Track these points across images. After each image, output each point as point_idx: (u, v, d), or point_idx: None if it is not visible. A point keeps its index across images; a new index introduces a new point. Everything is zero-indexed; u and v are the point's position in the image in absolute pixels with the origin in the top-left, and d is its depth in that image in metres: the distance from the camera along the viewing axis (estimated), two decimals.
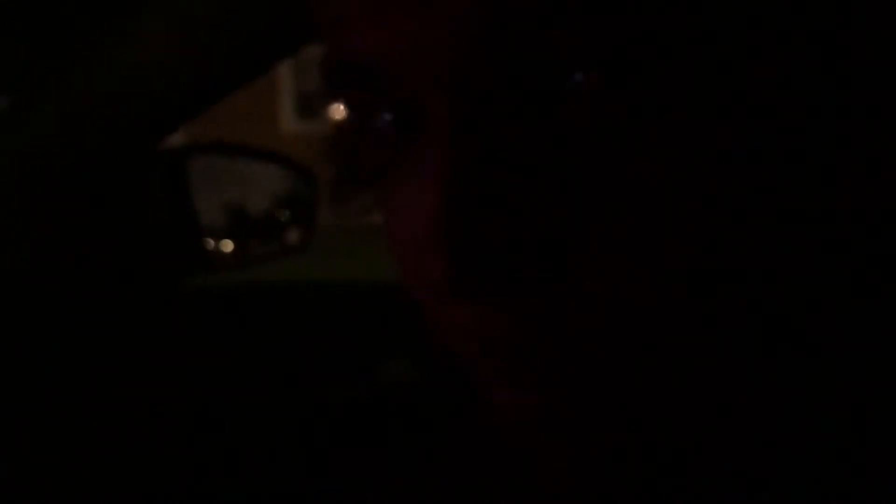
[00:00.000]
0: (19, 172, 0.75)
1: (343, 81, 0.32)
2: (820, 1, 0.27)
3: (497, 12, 0.27)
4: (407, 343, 0.93)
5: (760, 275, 0.28)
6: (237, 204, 0.97)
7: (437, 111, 0.29)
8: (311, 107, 10.16)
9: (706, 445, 0.32)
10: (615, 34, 0.26)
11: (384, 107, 0.31)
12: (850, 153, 0.28)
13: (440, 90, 0.29)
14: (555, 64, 0.27)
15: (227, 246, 0.95)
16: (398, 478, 0.57)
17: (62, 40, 0.72)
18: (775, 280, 0.29)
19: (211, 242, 0.92)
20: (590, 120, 0.28)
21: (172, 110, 0.78)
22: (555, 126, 0.28)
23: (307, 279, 1.10)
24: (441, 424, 0.51)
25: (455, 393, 0.35)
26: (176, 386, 0.90)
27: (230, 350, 0.95)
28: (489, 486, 0.41)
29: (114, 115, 0.75)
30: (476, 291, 0.28)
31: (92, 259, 0.80)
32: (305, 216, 1.01)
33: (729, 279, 0.28)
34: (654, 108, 0.27)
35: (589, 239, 0.28)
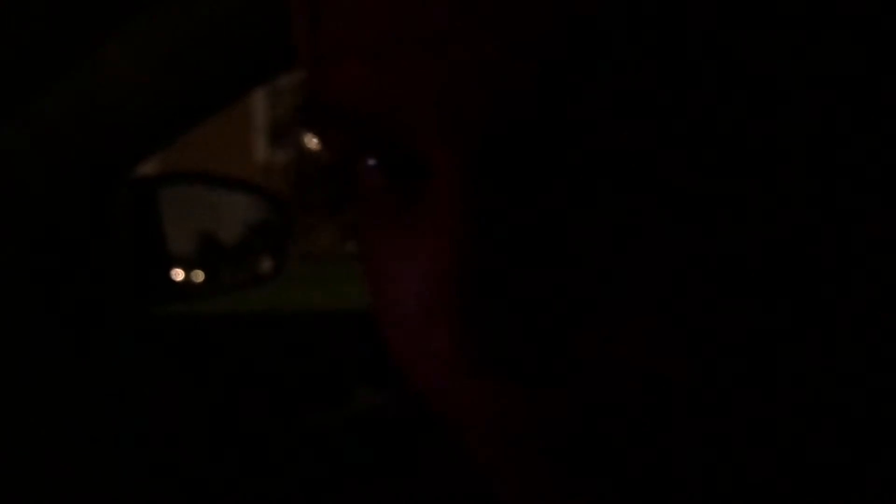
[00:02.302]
0: None
1: (324, 120, 0.29)
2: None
3: (540, 58, 0.24)
4: (376, 369, 0.93)
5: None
6: (209, 233, 0.97)
7: (448, 164, 0.25)
8: (284, 136, 10.16)
9: None
10: (668, 88, 0.24)
11: (369, 150, 0.28)
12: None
13: (454, 141, 0.25)
14: (602, 118, 0.24)
15: (199, 275, 0.95)
16: (372, 501, 0.56)
17: (33, 67, 0.72)
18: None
19: (181, 272, 0.91)
20: (626, 177, 0.25)
21: (144, 138, 0.78)
22: (584, 183, 0.25)
23: (276, 308, 1.10)
24: (411, 448, 0.51)
25: (425, 417, 0.34)
26: (145, 416, 0.90)
27: (200, 380, 0.94)
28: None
29: (84, 143, 0.75)
30: (498, 366, 0.25)
31: (59, 288, 0.80)
32: (277, 245, 1.01)
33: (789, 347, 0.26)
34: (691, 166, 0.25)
35: (620, 304, 0.25)
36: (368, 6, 0.26)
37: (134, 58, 0.72)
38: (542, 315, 0.25)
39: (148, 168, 0.92)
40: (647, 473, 0.27)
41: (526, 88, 0.24)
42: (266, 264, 1.01)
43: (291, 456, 0.84)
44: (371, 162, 0.28)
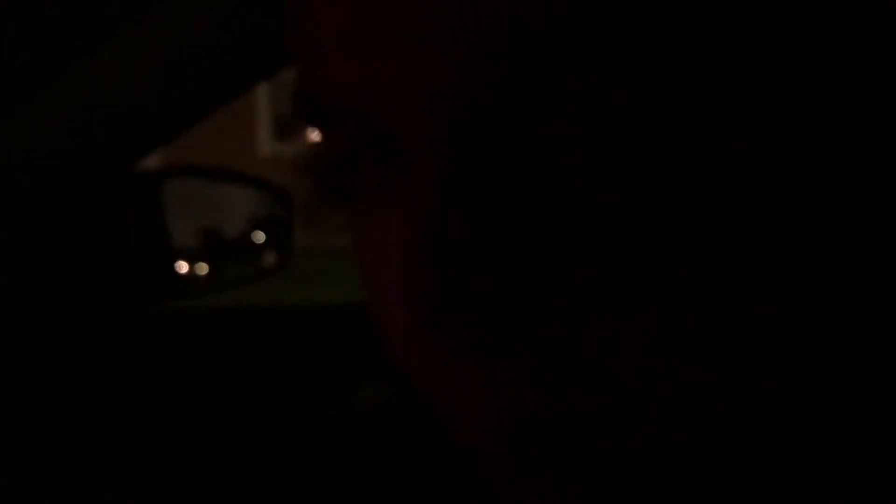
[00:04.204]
0: None
1: (315, 113, 0.30)
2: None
3: (499, 54, 0.25)
4: (381, 365, 0.93)
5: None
6: (213, 227, 0.97)
7: (421, 148, 0.27)
8: (288, 129, 10.15)
9: None
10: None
11: (359, 139, 0.29)
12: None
13: (426, 129, 0.27)
14: (558, 105, 0.25)
15: (203, 269, 0.94)
16: (376, 496, 0.57)
17: (38, 63, 0.72)
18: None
19: (186, 266, 0.91)
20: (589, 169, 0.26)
21: (148, 132, 0.77)
22: (545, 165, 0.26)
23: (281, 303, 1.10)
24: (416, 444, 0.50)
25: (429, 413, 0.34)
26: (150, 411, 0.90)
27: (204, 375, 0.94)
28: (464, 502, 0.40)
29: (88, 138, 0.75)
30: (453, 339, 0.25)
31: (63, 282, 0.80)
32: (282, 239, 1.01)
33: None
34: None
35: (579, 279, 0.26)
36: (347, 3, 0.27)
37: (138, 52, 0.72)
38: (498, 289, 0.26)
39: (152, 162, 0.92)
40: (609, 452, 0.27)
41: (486, 81, 0.26)
42: (270, 258, 1.01)
43: (293, 452, 0.84)
44: (362, 148, 0.29)
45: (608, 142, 0.26)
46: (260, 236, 1.00)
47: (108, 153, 0.77)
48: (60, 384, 0.83)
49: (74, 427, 0.84)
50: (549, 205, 0.26)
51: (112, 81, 0.73)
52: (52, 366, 0.82)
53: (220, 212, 0.97)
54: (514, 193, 0.26)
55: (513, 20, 0.25)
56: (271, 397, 0.95)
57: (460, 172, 0.26)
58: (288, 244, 1.01)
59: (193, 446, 0.89)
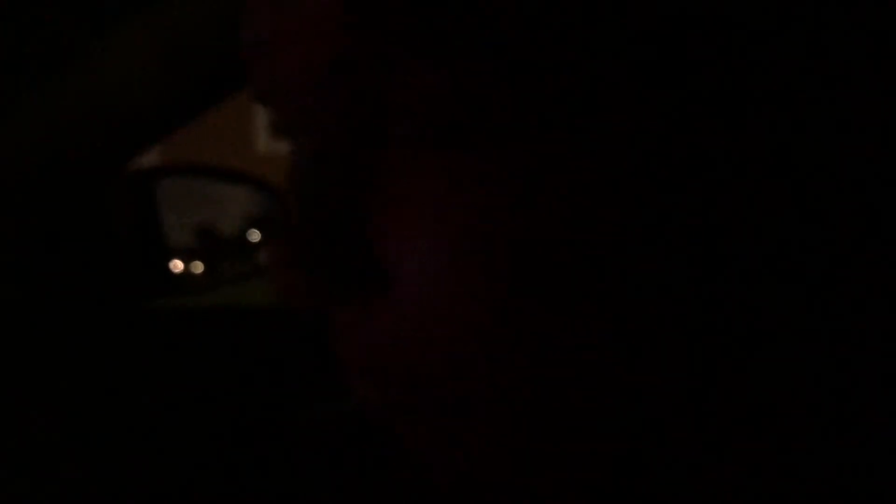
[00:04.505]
0: None
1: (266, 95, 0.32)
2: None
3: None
4: None
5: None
6: (208, 225, 0.97)
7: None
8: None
9: None
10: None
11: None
12: None
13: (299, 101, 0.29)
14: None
15: (198, 267, 0.94)
16: (367, 495, 0.56)
17: (33, 58, 0.72)
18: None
19: (181, 264, 0.91)
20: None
21: (145, 128, 0.77)
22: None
23: (277, 301, 1.10)
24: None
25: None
26: (145, 409, 0.89)
27: (197, 373, 0.94)
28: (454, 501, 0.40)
29: (85, 133, 0.75)
30: (319, 289, 0.28)
31: (59, 280, 0.79)
32: None
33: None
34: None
35: (403, 253, 0.27)
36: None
37: (136, 47, 0.72)
38: (345, 259, 0.28)
39: (148, 159, 0.92)
40: (467, 403, 0.28)
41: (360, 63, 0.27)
42: (265, 256, 1.00)
43: (289, 449, 0.84)
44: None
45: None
46: (256, 234, 1.00)
47: (105, 149, 0.77)
48: (55, 383, 0.83)
49: (71, 426, 0.84)
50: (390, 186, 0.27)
51: (109, 76, 0.73)
52: (47, 364, 0.82)
53: (216, 210, 0.97)
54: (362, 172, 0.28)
55: None
56: (267, 395, 0.95)
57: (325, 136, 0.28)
58: None
59: (189, 444, 0.89)
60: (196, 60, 0.73)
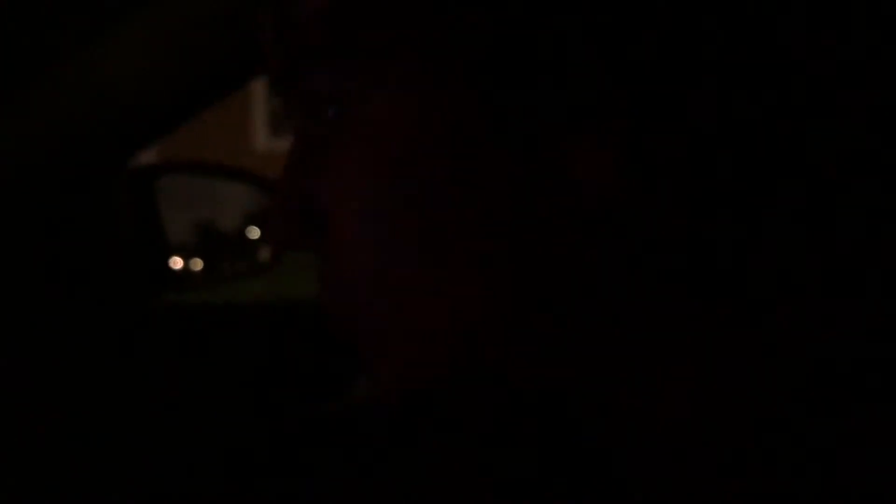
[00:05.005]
0: None
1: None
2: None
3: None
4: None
5: None
6: (207, 222, 0.97)
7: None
8: (284, 124, 10.13)
9: None
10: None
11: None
12: None
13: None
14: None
15: (197, 265, 0.95)
16: (370, 490, 0.57)
17: (32, 55, 0.72)
18: None
19: (180, 261, 0.91)
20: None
21: (143, 127, 0.77)
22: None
23: (276, 297, 1.10)
24: (408, 439, 0.51)
25: (420, 409, 0.35)
26: (146, 405, 0.90)
27: (199, 370, 0.94)
28: (455, 496, 0.41)
29: (83, 132, 0.75)
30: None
31: (58, 277, 0.80)
32: None
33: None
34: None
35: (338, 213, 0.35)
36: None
37: (134, 46, 0.72)
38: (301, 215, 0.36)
39: (146, 157, 0.92)
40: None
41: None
42: (265, 253, 1.01)
43: (288, 448, 0.84)
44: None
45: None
46: (255, 232, 1.00)
47: (105, 146, 0.77)
48: (56, 381, 0.83)
49: (71, 423, 0.84)
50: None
51: (109, 74, 0.73)
52: (48, 362, 0.82)
53: (215, 207, 0.97)
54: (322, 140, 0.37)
55: None
56: (265, 392, 0.96)
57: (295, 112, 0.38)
58: None
59: (188, 440, 0.89)
60: (196, 58, 0.73)
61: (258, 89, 10.18)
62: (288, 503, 0.80)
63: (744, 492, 0.30)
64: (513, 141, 0.31)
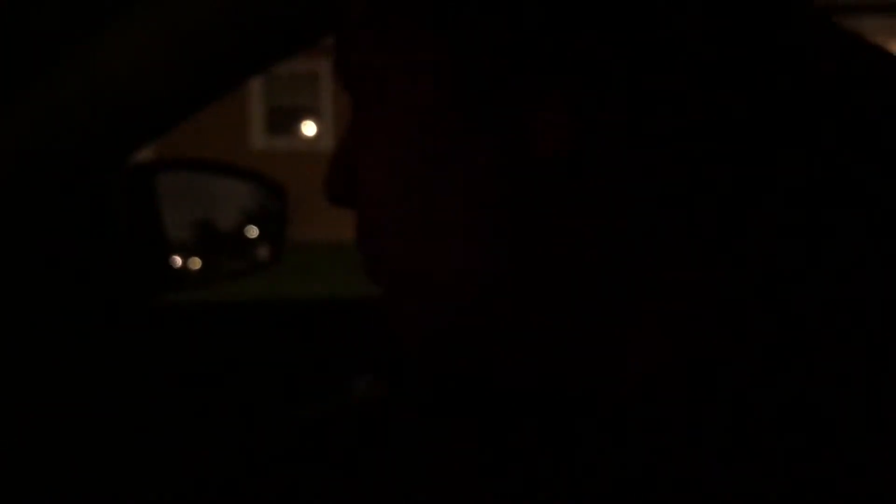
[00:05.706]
0: None
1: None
2: None
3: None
4: (375, 359, 0.93)
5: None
6: (206, 221, 0.97)
7: None
8: (282, 123, 10.14)
9: None
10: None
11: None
12: None
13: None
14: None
15: (196, 263, 0.94)
16: (370, 490, 0.57)
17: (31, 55, 0.72)
18: None
19: (179, 260, 0.91)
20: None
21: (141, 125, 0.77)
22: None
23: (275, 296, 1.10)
24: (409, 439, 0.51)
25: (423, 408, 0.35)
26: (145, 404, 0.89)
27: (196, 368, 0.94)
28: (457, 495, 0.41)
29: (81, 130, 0.75)
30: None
31: (57, 276, 0.79)
32: (275, 233, 1.01)
33: None
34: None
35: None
36: None
37: (133, 45, 0.72)
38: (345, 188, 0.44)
39: (144, 155, 0.92)
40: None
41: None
42: (263, 252, 1.01)
43: (287, 446, 0.84)
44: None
45: None
46: (253, 230, 1.00)
47: (103, 144, 0.77)
48: (57, 380, 0.83)
49: (71, 422, 0.84)
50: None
51: (107, 72, 0.73)
52: (48, 361, 0.82)
53: (214, 205, 0.97)
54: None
55: None
56: (263, 391, 0.95)
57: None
58: (281, 238, 1.01)
59: (187, 440, 0.89)
60: (195, 57, 0.73)
61: (256, 88, 10.20)
62: (288, 503, 0.80)
63: (738, 479, 0.30)
64: (485, 111, 0.37)
